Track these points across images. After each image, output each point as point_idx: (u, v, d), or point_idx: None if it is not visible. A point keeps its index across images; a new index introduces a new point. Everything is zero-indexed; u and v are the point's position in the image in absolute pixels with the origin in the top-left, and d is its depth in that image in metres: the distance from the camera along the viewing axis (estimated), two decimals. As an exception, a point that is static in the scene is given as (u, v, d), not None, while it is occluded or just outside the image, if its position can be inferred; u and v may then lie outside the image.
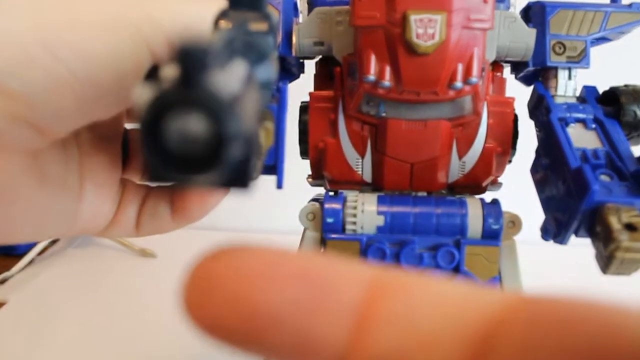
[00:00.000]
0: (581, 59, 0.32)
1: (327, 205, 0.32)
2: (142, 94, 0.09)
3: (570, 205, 0.27)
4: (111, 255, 0.68)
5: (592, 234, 0.26)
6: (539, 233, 0.30)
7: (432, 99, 0.29)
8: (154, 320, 0.54)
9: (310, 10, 0.33)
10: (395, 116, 0.31)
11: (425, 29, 0.27)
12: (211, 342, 0.10)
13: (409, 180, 0.32)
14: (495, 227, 0.31)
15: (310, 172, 0.35)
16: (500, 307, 0.09)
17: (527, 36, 0.31)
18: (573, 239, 0.28)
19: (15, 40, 0.18)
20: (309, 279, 0.10)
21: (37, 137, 0.19)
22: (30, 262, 0.66)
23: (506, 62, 0.34)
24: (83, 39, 0.18)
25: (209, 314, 0.10)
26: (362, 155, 0.32)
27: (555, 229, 0.28)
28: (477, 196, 0.33)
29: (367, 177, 0.33)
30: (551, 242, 0.29)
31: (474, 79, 0.28)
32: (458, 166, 0.32)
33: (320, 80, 0.34)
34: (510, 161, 0.34)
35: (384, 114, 0.31)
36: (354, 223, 0.31)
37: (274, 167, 0.27)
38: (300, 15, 0.34)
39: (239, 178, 0.10)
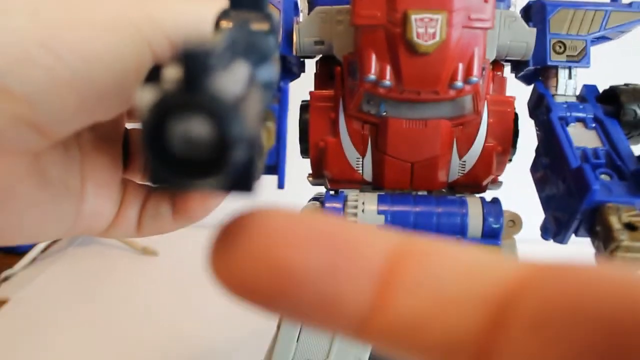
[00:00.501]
0: (581, 58, 0.32)
1: (327, 205, 0.32)
2: (144, 96, 0.09)
3: (570, 205, 0.27)
4: (113, 254, 0.68)
5: (592, 233, 0.26)
6: (539, 232, 0.30)
7: (432, 99, 0.29)
8: (156, 317, 0.55)
9: (310, 9, 0.33)
10: (396, 115, 0.31)
11: (425, 28, 0.27)
12: (236, 300, 0.10)
13: (409, 179, 0.32)
14: (495, 226, 0.31)
15: (310, 171, 0.35)
16: (518, 274, 0.10)
17: (527, 35, 0.31)
18: (573, 238, 0.28)
19: (15, 40, 0.17)
20: (335, 243, 0.10)
21: (38, 138, 0.19)
22: (33, 260, 0.66)
23: (506, 61, 0.34)
24: (83, 38, 0.18)
25: (236, 273, 0.10)
26: (363, 155, 0.32)
27: (555, 228, 0.28)
28: (478, 195, 0.33)
29: (368, 176, 0.33)
30: (551, 241, 0.29)
31: (474, 78, 0.28)
32: (458, 165, 0.32)
33: (321, 79, 0.34)
34: (510, 160, 0.34)
35: (384, 113, 0.31)
36: (355, 222, 0.31)
37: (275, 167, 0.27)
38: (301, 14, 0.34)
39: (243, 181, 0.10)
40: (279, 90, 0.28)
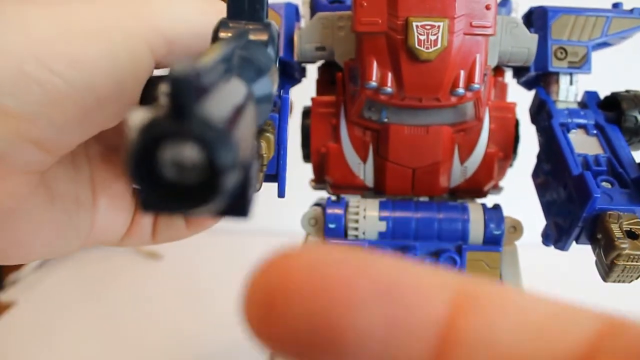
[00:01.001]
0: (583, 64, 0.32)
1: (329, 211, 0.32)
2: (135, 120, 0.09)
3: (571, 211, 0.27)
4: (119, 257, 0.68)
5: (593, 241, 0.26)
6: (540, 237, 0.30)
7: (434, 105, 0.29)
8: (162, 321, 0.55)
9: (312, 15, 0.33)
10: (398, 122, 0.31)
11: (427, 35, 0.27)
12: (275, 355, 0.09)
13: (410, 185, 0.32)
14: (496, 232, 0.31)
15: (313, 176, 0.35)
16: (593, 330, 0.09)
17: (529, 41, 0.31)
18: (574, 245, 0.27)
19: (7, 57, 0.17)
20: (391, 295, 0.09)
21: (42, 155, 0.19)
22: (40, 264, 0.66)
23: (508, 67, 0.34)
24: (76, 48, 0.18)
25: (276, 330, 0.09)
26: (364, 160, 0.32)
27: (556, 235, 0.28)
28: (479, 200, 0.33)
29: (369, 182, 0.33)
30: (552, 247, 0.29)
31: (476, 85, 0.28)
32: (460, 171, 0.32)
33: (322, 85, 0.34)
34: (511, 165, 0.34)
35: (386, 120, 0.31)
36: (356, 229, 0.31)
37: (275, 175, 0.27)
38: (302, 20, 0.34)
39: (237, 205, 0.10)
40: (279, 98, 0.28)
